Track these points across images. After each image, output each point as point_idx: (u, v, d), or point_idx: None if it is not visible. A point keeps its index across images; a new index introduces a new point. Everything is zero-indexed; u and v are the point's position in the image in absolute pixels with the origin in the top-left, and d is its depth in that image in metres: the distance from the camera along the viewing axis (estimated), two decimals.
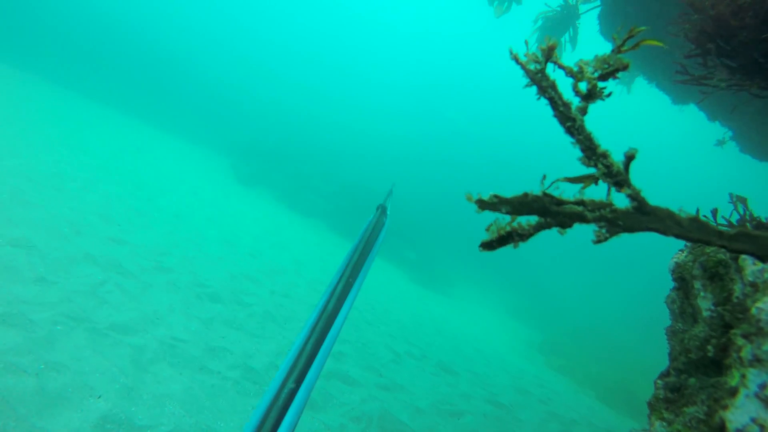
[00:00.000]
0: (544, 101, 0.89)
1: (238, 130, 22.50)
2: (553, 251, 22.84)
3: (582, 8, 7.26)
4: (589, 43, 7.19)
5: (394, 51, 52.11)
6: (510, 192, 0.87)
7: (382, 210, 1.85)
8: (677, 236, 0.82)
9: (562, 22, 7.15)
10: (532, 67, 0.88)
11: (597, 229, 0.84)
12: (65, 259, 5.39)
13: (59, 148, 10.13)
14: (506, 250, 0.86)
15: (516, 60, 0.86)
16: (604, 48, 6.24)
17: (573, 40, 7.17)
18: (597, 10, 6.10)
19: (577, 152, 0.89)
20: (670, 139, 39.18)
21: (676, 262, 1.98)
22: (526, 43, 0.98)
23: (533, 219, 0.85)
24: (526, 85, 0.89)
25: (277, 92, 31.44)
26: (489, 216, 0.85)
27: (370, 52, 50.77)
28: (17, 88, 14.18)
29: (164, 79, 23.83)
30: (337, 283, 1.33)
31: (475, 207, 0.84)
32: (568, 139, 0.88)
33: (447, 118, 37.38)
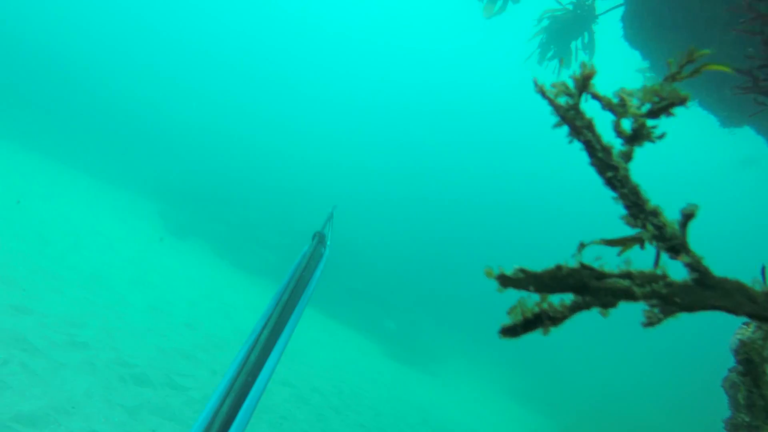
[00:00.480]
0: (568, 142, 0.89)
1: (166, 168, 22.82)
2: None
3: (600, 7, 7.34)
4: (609, 49, 7.61)
5: (361, 64, 52.43)
6: (534, 261, 0.89)
7: (319, 238, 1.92)
8: (750, 315, 0.80)
9: (575, 23, 7.29)
10: (562, 101, 0.87)
11: (647, 308, 0.82)
12: None
13: None
14: (502, 317, 0.87)
15: (542, 94, 0.88)
16: (628, 56, 6.71)
17: (589, 47, 7.34)
18: (619, 11, 6.34)
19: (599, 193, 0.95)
20: (717, 170, 37.23)
21: (742, 340, 1.94)
22: (545, 70, 1.29)
23: (568, 297, 0.84)
24: (556, 125, 0.89)
25: (216, 121, 31.96)
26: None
27: (332, 67, 51.17)
28: None
29: (74, 105, 24.18)
30: (262, 329, 1.40)
31: (494, 284, 0.83)
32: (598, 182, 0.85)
33: (431, 147, 38.15)
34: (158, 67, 36.20)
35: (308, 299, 1.62)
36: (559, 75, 7.65)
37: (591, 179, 0.91)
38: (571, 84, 0.87)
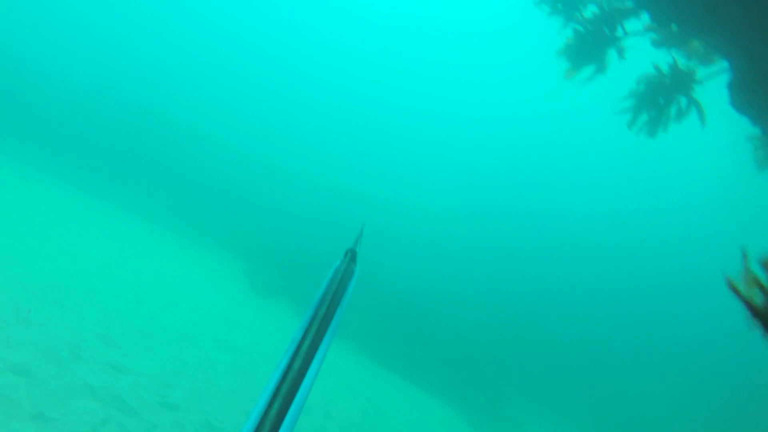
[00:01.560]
0: None
1: (252, 228, 23.70)
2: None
3: (701, 73, 7.02)
4: (715, 115, 7.22)
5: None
6: None
7: (351, 256, 1.91)
8: None
9: (672, 88, 6.96)
10: (759, 302, 0.79)
11: None
12: (64, 391, 5.79)
13: (58, 253, 11.09)
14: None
15: (735, 292, 0.78)
16: (736, 122, 6.33)
17: (684, 114, 7.15)
18: (726, 77, 6.09)
19: None
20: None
21: None
22: None
23: None
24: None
25: (301, 181, 33.05)
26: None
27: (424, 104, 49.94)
28: (13, 180, 15.86)
29: (168, 167, 25.84)
30: (302, 339, 1.47)
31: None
32: None
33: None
34: (252, 133, 37.90)
35: (342, 317, 1.66)
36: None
37: None
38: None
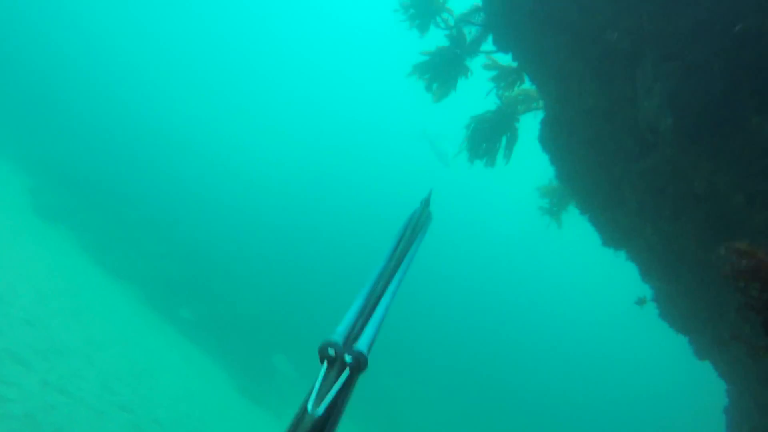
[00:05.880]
0: None
1: (40, 138, 20.62)
2: None
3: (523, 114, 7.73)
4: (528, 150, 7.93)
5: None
6: None
7: (426, 203, 2.50)
8: None
9: (499, 124, 7.62)
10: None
11: None
12: None
13: None
14: None
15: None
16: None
17: (508, 148, 7.76)
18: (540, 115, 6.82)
19: None
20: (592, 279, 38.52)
21: None
22: None
23: None
24: None
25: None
26: None
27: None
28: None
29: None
30: (388, 261, 1.96)
31: None
32: None
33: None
34: None
35: (416, 251, 2.13)
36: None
37: None
38: None
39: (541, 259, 37.27)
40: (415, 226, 2.28)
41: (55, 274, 12.07)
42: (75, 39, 33.59)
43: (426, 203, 2.52)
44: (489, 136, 7.61)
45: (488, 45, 7.31)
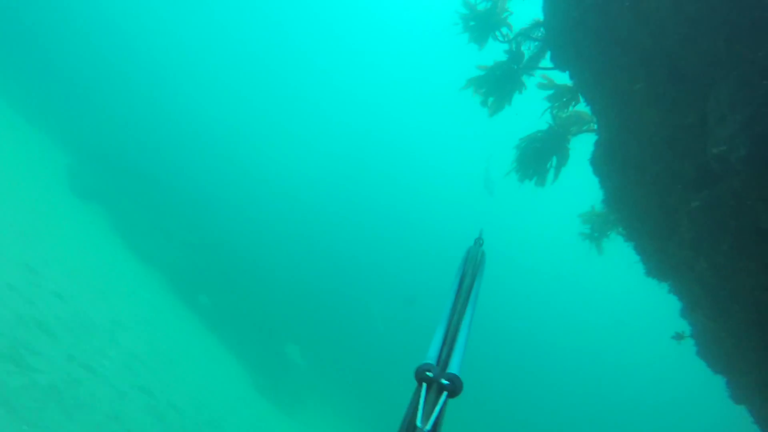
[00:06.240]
0: None
1: (82, 120, 21.03)
2: None
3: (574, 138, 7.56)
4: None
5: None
6: None
7: (480, 243, 2.67)
8: None
9: (549, 144, 7.47)
10: None
11: None
12: None
13: None
14: None
15: None
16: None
17: (557, 169, 7.61)
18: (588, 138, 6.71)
19: None
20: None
21: None
22: None
23: None
24: None
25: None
26: None
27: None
28: None
29: None
30: (456, 296, 2.17)
31: None
32: None
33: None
34: None
35: (480, 286, 2.32)
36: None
37: None
38: None
39: (578, 288, 37.11)
40: (474, 264, 2.48)
41: (85, 251, 12.22)
42: (132, 32, 33.97)
43: (479, 242, 2.72)
44: (539, 156, 7.46)
45: (545, 62, 7.20)
